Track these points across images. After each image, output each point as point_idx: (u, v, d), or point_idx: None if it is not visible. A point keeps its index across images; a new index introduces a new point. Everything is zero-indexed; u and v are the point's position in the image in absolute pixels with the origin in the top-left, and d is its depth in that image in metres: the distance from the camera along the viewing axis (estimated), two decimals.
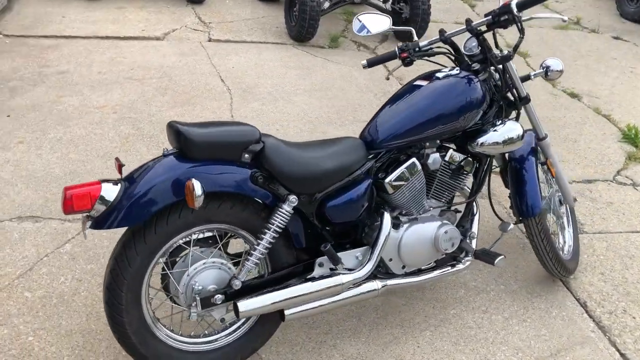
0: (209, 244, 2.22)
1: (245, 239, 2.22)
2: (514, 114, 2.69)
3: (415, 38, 2.55)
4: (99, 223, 1.94)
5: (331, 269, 2.29)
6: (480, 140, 2.44)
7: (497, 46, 2.51)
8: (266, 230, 2.12)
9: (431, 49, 2.49)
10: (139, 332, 2.09)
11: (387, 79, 2.82)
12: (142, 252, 2.02)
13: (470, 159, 2.51)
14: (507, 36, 6.50)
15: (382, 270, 2.46)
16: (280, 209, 2.12)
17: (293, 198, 2.13)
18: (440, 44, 2.49)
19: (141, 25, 5.84)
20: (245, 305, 2.11)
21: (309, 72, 5.18)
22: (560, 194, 2.95)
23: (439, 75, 2.46)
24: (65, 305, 2.55)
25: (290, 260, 2.27)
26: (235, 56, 5.37)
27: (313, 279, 2.24)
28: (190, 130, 2.01)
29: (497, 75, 2.56)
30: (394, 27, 2.59)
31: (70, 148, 3.72)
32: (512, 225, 2.65)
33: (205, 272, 2.15)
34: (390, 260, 2.42)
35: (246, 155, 2.08)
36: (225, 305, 2.17)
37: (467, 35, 2.50)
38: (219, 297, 2.13)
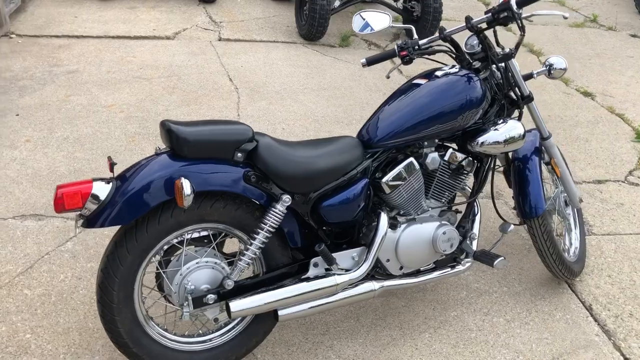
0: (205, 243, 2.21)
1: (240, 238, 2.21)
2: (517, 113, 2.64)
3: (415, 36, 2.51)
4: (91, 221, 1.95)
5: (326, 269, 2.26)
6: (481, 139, 2.40)
7: (498, 44, 2.47)
8: (259, 230, 2.11)
9: (431, 47, 2.45)
10: (132, 331, 2.09)
11: (388, 77, 2.76)
12: (133, 251, 2.01)
13: (471, 159, 2.46)
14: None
15: (380, 271, 2.43)
16: (274, 209, 2.11)
17: (286, 198, 2.11)
18: (441, 41, 2.45)
19: (152, 25, 5.86)
20: (238, 305, 2.10)
21: (318, 71, 5.16)
22: (565, 194, 2.90)
23: (438, 73, 2.42)
24: (64, 303, 2.56)
25: (285, 260, 2.25)
26: (244, 55, 5.36)
27: (308, 279, 2.22)
28: (182, 129, 2.00)
29: (499, 74, 2.52)
30: (393, 24, 2.55)
31: (76, 147, 3.75)
32: (512, 227, 2.60)
33: (198, 271, 2.14)
34: (388, 261, 2.39)
35: (239, 154, 2.06)
36: (219, 305, 2.16)
37: (469, 33, 2.46)
38: (211, 296, 2.12)
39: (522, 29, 2.32)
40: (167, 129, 2.00)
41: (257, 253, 2.16)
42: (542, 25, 6.77)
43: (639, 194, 3.72)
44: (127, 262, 2.02)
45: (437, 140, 2.41)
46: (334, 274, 2.24)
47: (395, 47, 2.45)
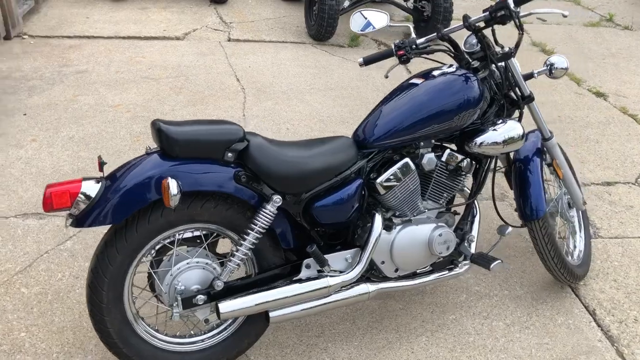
0: (197, 243, 2.20)
1: (231, 239, 2.19)
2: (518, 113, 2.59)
3: (413, 35, 2.47)
4: (80, 221, 1.94)
5: (318, 271, 2.24)
6: (479, 140, 2.36)
7: (497, 43, 2.42)
8: (249, 231, 2.09)
9: (429, 46, 2.41)
10: (121, 331, 2.08)
11: (386, 77, 2.72)
12: (123, 251, 2.01)
13: (469, 160, 2.42)
14: (533, 34, 6.35)
15: (375, 273, 2.40)
16: (264, 209, 2.09)
17: (277, 198, 2.09)
18: (439, 40, 2.41)
19: (162, 26, 5.89)
20: (227, 306, 2.08)
21: (326, 71, 5.13)
22: (569, 196, 2.84)
23: (435, 73, 2.39)
24: (60, 302, 2.57)
25: (277, 261, 2.23)
26: (252, 56, 5.36)
27: (299, 281, 2.20)
28: (172, 128, 1.99)
29: (499, 73, 2.47)
30: (391, 23, 2.53)
31: (81, 146, 3.77)
32: (510, 229, 2.55)
33: (189, 272, 2.12)
34: (383, 263, 2.36)
35: (229, 154, 2.04)
36: (209, 305, 2.14)
37: (467, 32, 2.42)
38: (201, 297, 2.10)
39: (520, 27, 2.28)
40: (157, 129, 2.00)
41: (249, 254, 2.15)
42: (556, 25, 6.68)
43: None
44: (117, 262, 2.01)
45: (433, 141, 2.37)
46: (326, 276, 2.22)
47: (393, 47, 2.42)
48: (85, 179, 1.96)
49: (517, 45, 2.41)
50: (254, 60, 5.27)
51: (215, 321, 2.22)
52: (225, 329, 2.26)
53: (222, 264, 2.20)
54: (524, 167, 2.62)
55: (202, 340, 2.24)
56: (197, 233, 2.19)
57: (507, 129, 2.37)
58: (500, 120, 2.40)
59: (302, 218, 2.21)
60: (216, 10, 6.43)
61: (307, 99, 4.61)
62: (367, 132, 2.31)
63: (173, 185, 1.88)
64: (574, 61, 5.69)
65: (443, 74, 2.36)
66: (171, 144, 1.99)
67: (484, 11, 2.37)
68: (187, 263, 2.12)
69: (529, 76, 2.57)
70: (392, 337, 2.52)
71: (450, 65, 2.42)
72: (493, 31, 2.40)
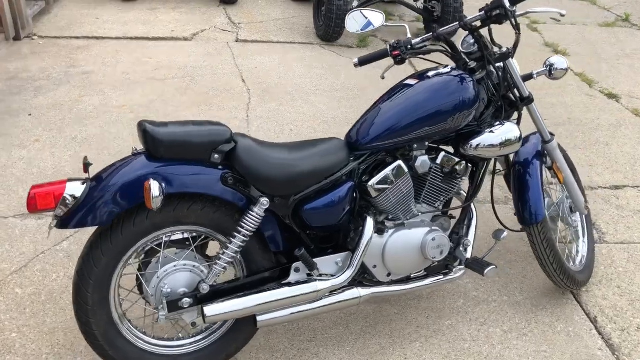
0: (186, 245, 2.18)
1: (220, 241, 2.16)
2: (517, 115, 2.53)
3: (409, 35, 2.43)
4: (64, 222, 1.93)
5: (308, 275, 2.20)
6: (475, 142, 2.30)
7: (494, 43, 2.37)
8: (236, 234, 2.06)
9: (425, 46, 2.37)
10: (107, 334, 2.07)
11: (383, 78, 2.66)
12: (108, 253, 1.99)
13: (464, 162, 2.36)
14: (546, 34, 6.25)
15: (367, 278, 2.35)
16: (251, 212, 2.06)
17: (264, 200, 2.06)
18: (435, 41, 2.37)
19: (171, 26, 5.90)
20: (213, 310, 2.05)
21: (332, 72, 5.10)
22: (570, 200, 2.77)
23: (430, 74, 2.34)
24: (53, 302, 2.57)
25: (266, 264, 2.20)
26: (259, 56, 5.34)
27: (288, 285, 2.17)
28: (157, 130, 1.97)
29: (497, 74, 2.41)
30: (386, 23, 2.49)
31: (83, 147, 3.77)
32: (505, 233, 2.48)
33: (176, 274, 2.10)
34: (375, 267, 2.31)
35: (216, 156, 2.02)
36: (196, 309, 2.12)
37: (464, 32, 2.37)
38: (187, 300, 2.08)
39: (516, 27, 2.22)
40: (143, 130, 1.97)
41: (236, 257, 2.12)
42: (570, 25, 6.57)
43: None
44: (102, 264, 1.99)
45: (427, 143, 2.32)
46: (315, 280, 2.18)
47: (387, 47, 2.38)
48: (70, 180, 1.95)
49: (515, 45, 2.36)
50: (261, 61, 5.25)
51: (203, 325, 2.19)
52: (213, 332, 2.24)
53: (210, 267, 2.18)
54: (523, 170, 2.57)
55: (190, 344, 2.21)
56: (186, 235, 2.18)
57: (504, 131, 2.31)
58: (497, 122, 2.35)
59: (292, 221, 2.17)
60: (225, 11, 6.42)
61: (312, 100, 4.58)
62: (359, 133, 2.26)
63: (155, 187, 1.86)
64: (587, 62, 5.59)
65: (438, 74, 2.32)
66: (156, 145, 1.96)
67: (480, 10, 2.32)
68: (174, 265, 2.10)
69: (528, 77, 2.52)
70: (386, 343, 2.47)
71: (446, 66, 2.37)
72: (490, 31, 2.34)
